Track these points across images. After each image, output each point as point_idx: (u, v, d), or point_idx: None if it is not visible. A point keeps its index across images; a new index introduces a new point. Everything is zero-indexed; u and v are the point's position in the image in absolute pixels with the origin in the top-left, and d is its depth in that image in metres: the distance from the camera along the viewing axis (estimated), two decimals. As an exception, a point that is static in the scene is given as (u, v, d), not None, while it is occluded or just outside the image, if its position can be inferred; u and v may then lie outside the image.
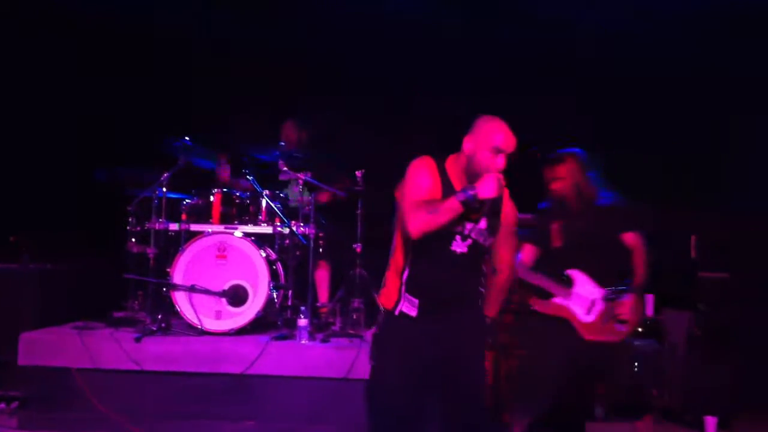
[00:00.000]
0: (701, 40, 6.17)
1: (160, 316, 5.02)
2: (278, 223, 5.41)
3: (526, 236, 4.27)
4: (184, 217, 5.40)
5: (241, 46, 6.70)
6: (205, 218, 5.40)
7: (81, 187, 6.09)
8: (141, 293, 5.46)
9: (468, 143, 3.24)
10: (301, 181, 5.46)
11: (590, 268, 4.14)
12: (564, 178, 4.12)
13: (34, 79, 6.51)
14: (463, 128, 3.37)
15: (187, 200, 5.47)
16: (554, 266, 4.16)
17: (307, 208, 5.47)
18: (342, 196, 5.72)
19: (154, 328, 4.94)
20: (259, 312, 5.03)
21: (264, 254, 5.16)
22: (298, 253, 5.55)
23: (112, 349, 4.71)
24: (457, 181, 3.27)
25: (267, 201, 5.42)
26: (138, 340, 4.74)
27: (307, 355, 4.72)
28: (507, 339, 4.91)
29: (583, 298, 4.13)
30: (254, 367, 4.65)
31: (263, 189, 5.45)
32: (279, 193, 5.68)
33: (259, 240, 5.31)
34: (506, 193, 3.37)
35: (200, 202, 5.45)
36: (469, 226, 3.26)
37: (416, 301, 3.30)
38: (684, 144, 6.36)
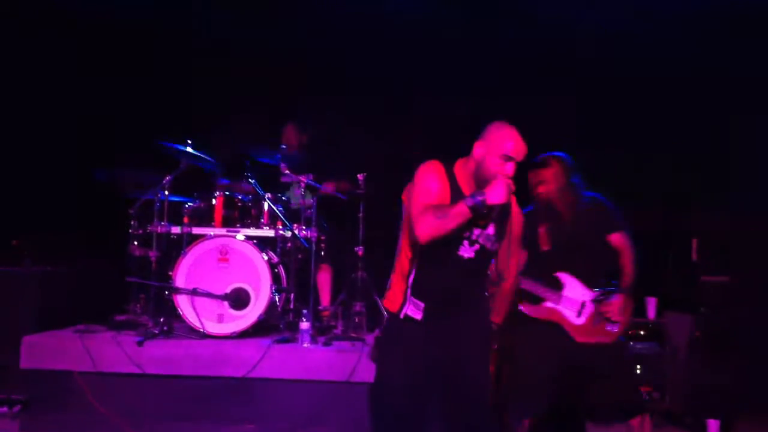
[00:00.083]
0: (701, 39, 6.17)
1: (162, 320, 5.02)
2: (280, 227, 5.41)
3: None
4: (186, 220, 5.40)
5: (241, 46, 6.69)
6: (207, 221, 5.40)
7: (82, 189, 6.08)
8: (143, 296, 5.45)
9: (478, 148, 3.24)
10: (302, 184, 5.46)
11: (579, 271, 4.17)
12: (549, 181, 4.13)
13: (34, 80, 6.49)
14: (463, 129, 3.38)
15: (189, 203, 5.47)
16: (543, 270, 4.17)
17: (308, 211, 5.47)
18: (344, 199, 5.72)
19: (156, 332, 4.94)
20: (261, 315, 5.04)
21: (266, 257, 5.16)
22: (300, 256, 5.56)
23: (114, 352, 4.71)
24: (466, 186, 3.27)
25: (269, 204, 5.43)
26: (140, 343, 4.73)
27: (309, 358, 4.72)
28: (508, 341, 4.92)
29: (573, 301, 4.16)
30: (256, 370, 4.65)
31: (265, 192, 5.45)
32: (281, 196, 5.68)
33: (261, 243, 5.31)
34: (513, 199, 3.38)
35: (202, 205, 5.44)
36: (476, 231, 3.26)
37: (422, 304, 3.31)
38: (684, 145, 6.37)
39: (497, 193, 3.08)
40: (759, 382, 5.21)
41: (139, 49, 6.65)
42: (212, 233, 5.23)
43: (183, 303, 5.02)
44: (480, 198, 3.08)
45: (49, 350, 4.73)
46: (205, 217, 5.41)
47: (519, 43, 6.45)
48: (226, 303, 5.02)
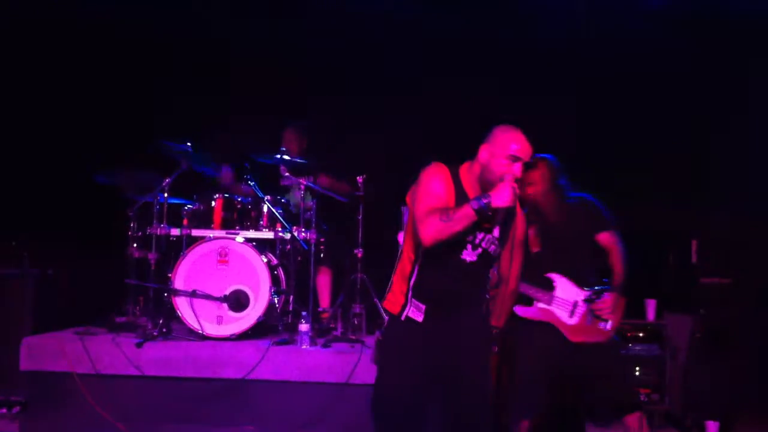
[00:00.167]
0: (702, 39, 6.18)
1: (161, 321, 5.01)
2: (279, 228, 5.41)
3: None
4: (185, 222, 5.40)
5: (241, 46, 6.70)
6: (207, 223, 5.39)
7: (82, 191, 6.07)
8: (142, 298, 5.46)
9: (484, 151, 3.25)
10: (302, 186, 5.46)
11: (569, 271, 4.20)
12: (536, 182, 4.15)
13: (34, 81, 6.51)
14: (464, 129, 3.39)
15: (188, 205, 5.47)
16: (534, 271, 4.18)
17: (308, 213, 5.47)
18: (343, 201, 5.72)
19: (155, 333, 4.93)
20: (260, 317, 5.04)
21: (265, 259, 5.17)
22: (299, 258, 5.56)
23: (113, 354, 4.71)
24: (471, 190, 3.28)
25: (268, 206, 5.43)
26: (139, 345, 4.73)
27: (307, 360, 4.71)
28: (508, 343, 4.92)
29: (565, 301, 4.18)
30: (255, 372, 4.65)
31: (264, 194, 5.45)
32: (280, 198, 5.68)
33: (261, 245, 5.32)
34: (518, 203, 3.38)
35: (201, 207, 5.44)
36: (480, 235, 3.28)
37: (423, 306, 3.32)
38: (684, 145, 6.37)
39: (502, 196, 3.10)
40: (758, 384, 5.21)
41: (139, 49, 6.66)
42: (211, 235, 5.23)
43: (182, 305, 5.01)
44: (485, 201, 3.09)
45: (48, 352, 4.72)
46: (204, 219, 5.41)
47: (519, 43, 6.46)
48: (225, 305, 5.02)
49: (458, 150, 3.39)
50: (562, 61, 6.45)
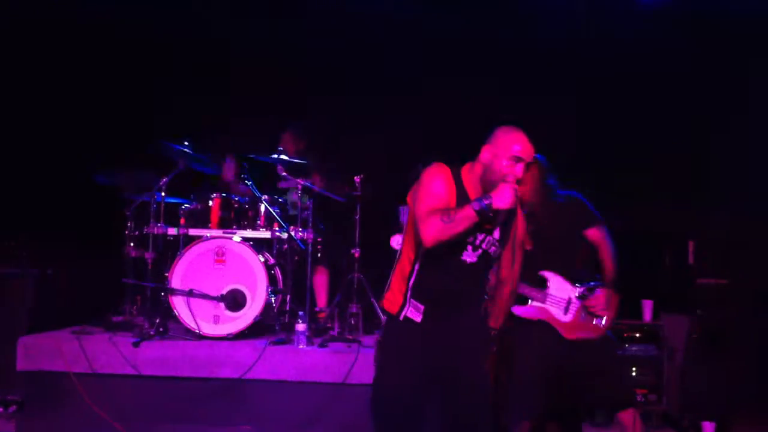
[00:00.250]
0: (702, 39, 6.17)
1: (158, 321, 5.01)
2: (277, 228, 5.41)
3: None
4: (182, 221, 5.41)
5: (241, 46, 6.71)
6: (204, 223, 5.40)
7: (80, 190, 6.09)
8: (139, 297, 5.47)
9: (486, 152, 3.25)
10: (299, 187, 5.46)
11: (562, 268, 4.22)
12: (526, 182, 4.15)
13: (34, 81, 6.51)
14: (464, 130, 3.38)
15: (185, 205, 5.47)
16: (527, 270, 4.17)
17: (305, 212, 5.47)
18: (340, 201, 5.73)
19: (152, 333, 4.93)
20: (257, 316, 5.04)
21: (262, 259, 5.17)
22: (296, 257, 5.56)
23: (110, 353, 4.71)
24: (473, 191, 3.28)
25: (265, 206, 5.43)
26: (136, 344, 4.73)
27: (304, 360, 4.72)
28: (506, 343, 4.92)
29: (559, 299, 4.20)
30: (252, 372, 4.65)
31: (262, 194, 5.46)
32: (278, 198, 5.68)
33: (258, 245, 5.32)
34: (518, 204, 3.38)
35: (199, 206, 5.44)
36: (480, 236, 3.28)
37: (422, 306, 3.33)
38: (683, 145, 6.37)
39: (504, 198, 3.10)
40: (755, 385, 5.21)
41: (139, 49, 6.66)
42: (209, 235, 5.24)
43: (179, 304, 5.01)
44: (486, 202, 3.09)
45: (45, 351, 4.73)
46: (201, 219, 5.41)
47: (519, 43, 6.45)
48: (222, 304, 5.02)
49: (458, 150, 3.39)
50: (562, 61, 6.45)
